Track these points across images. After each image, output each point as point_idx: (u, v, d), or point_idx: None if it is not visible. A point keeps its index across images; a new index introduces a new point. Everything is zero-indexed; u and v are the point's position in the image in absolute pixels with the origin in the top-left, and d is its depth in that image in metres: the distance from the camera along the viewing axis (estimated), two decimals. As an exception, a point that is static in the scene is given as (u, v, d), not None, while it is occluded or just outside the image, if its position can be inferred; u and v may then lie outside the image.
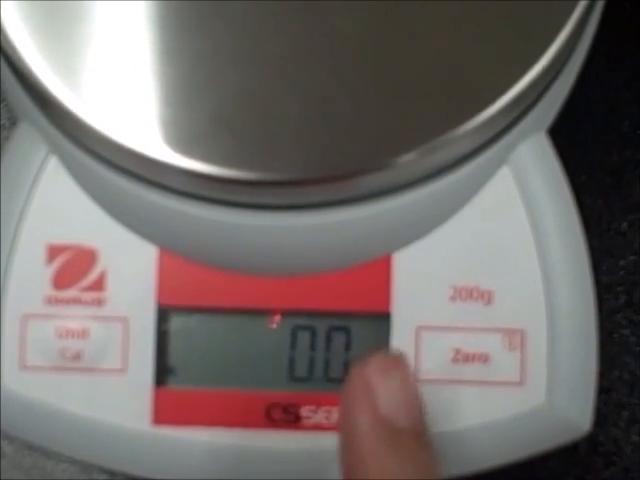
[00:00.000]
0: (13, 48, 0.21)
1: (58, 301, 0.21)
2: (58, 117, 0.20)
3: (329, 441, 0.20)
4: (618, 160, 0.24)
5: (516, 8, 0.20)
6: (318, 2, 0.20)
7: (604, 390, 0.22)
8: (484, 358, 0.20)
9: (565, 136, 0.22)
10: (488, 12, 0.20)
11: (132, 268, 0.20)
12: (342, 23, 0.20)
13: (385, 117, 0.20)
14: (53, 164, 0.21)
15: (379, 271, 0.21)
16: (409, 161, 0.20)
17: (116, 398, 0.20)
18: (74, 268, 0.21)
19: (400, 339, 0.20)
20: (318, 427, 0.20)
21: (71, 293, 0.21)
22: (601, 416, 0.22)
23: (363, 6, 0.20)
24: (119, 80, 0.20)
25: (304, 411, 0.20)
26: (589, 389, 0.20)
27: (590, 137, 0.24)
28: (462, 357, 0.20)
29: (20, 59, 0.21)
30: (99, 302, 0.21)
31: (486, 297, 0.20)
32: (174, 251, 0.20)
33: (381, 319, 0.20)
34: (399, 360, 0.18)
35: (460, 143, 0.20)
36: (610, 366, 0.23)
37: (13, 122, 0.24)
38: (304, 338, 0.21)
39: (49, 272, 0.21)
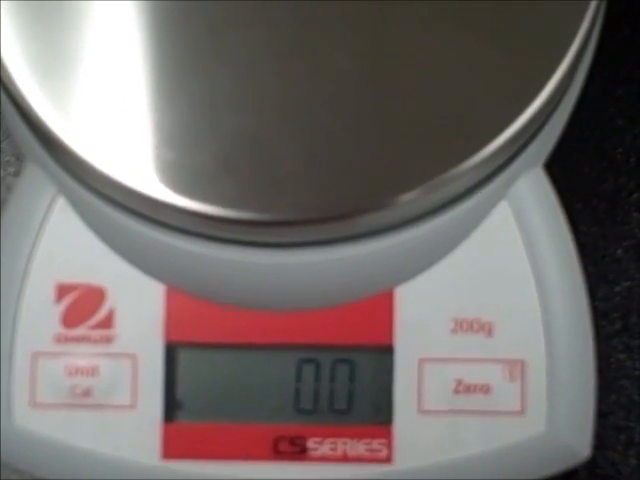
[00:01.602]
0: (17, 89, 0.21)
1: (67, 339, 0.21)
2: (64, 158, 0.21)
3: (334, 472, 0.21)
4: (612, 188, 0.25)
5: (513, 48, 0.21)
6: (318, 42, 0.21)
7: (602, 414, 0.23)
8: (485, 389, 0.21)
9: (560, 165, 0.23)
10: (485, 52, 0.21)
11: (140, 306, 0.21)
12: (342, 64, 0.21)
13: (385, 156, 0.20)
14: (61, 204, 0.21)
15: (382, 305, 0.21)
16: (410, 200, 0.20)
17: (126, 433, 0.21)
18: (83, 306, 0.21)
19: (403, 371, 0.21)
20: (324, 459, 0.21)
21: (80, 331, 0.21)
22: (599, 440, 0.22)
23: (363, 47, 0.21)
24: (122, 122, 0.20)
25: (310, 443, 0.21)
26: (588, 416, 0.21)
27: (585, 166, 0.25)
28: (464, 388, 0.21)
29: (24, 100, 0.21)
30: (108, 339, 0.21)
31: (487, 329, 0.21)
32: (180, 288, 0.21)
33: (384, 352, 0.21)
34: None
35: (460, 181, 0.20)
36: (607, 390, 0.23)
37: (19, 158, 0.25)
38: (309, 371, 0.21)
39: (58, 311, 0.21)
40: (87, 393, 0.21)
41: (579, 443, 0.21)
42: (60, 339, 0.21)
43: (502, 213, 0.21)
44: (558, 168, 0.22)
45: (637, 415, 0.25)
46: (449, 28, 0.21)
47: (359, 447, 0.21)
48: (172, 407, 0.21)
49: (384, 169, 0.20)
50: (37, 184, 0.22)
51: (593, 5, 0.22)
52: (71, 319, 0.21)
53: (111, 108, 0.21)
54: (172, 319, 0.21)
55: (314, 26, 0.21)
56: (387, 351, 0.21)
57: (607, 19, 0.23)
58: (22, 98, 0.21)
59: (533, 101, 0.21)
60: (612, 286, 0.24)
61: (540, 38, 0.21)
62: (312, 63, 0.21)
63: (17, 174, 0.24)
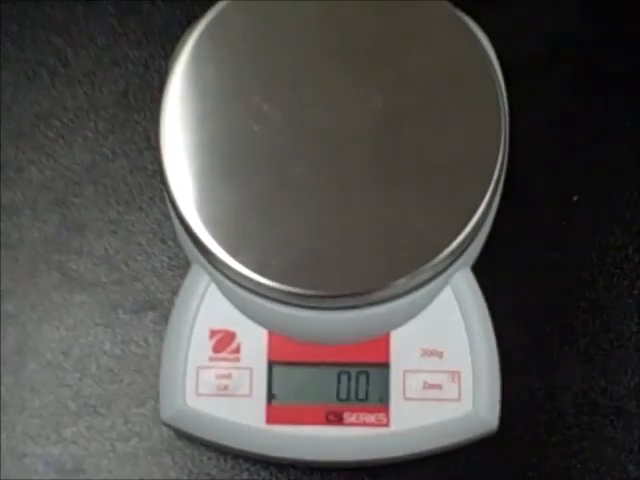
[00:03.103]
0: (184, 217, 0.37)
1: (215, 359, 0.37)
2: (213, 261, 0.37)
3: (357, 431, 0.37)
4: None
5: (449, 197, 0.36)
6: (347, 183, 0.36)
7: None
8: (439, 386, 0.37)
9: (481, 265, 0.39)
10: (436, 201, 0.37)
11: (254, 341, 0.37)
12: (355, 200, 0.37)
13: (385, 261, 0.36)
14: (212, 287, 0.38)
15: (384, 341, 0.37)
16: (400, 283, 0.36)
17: (246, 410, 0.37)
18: (223, 342, 0.37)
19: (394, 377, 0.37)
20: (352, 424, 0.37)
21: (222, 355, 0.37)
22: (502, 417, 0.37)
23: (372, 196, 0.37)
24: (247, 238, 0.36)
25: (345, 415, 0.37)
26: (496, 403, 0.37)
27: (499, 265, 0.41)
28: (428, 386, 0.37)
29: (190, 226, 0.37)
30: (237, 360, 0.37)
31: (439, 354, 0.37)
32: (276, 331, 0.37)
33: (384, 366, 0.37)
34: None
35: (426, 273, 0.36)
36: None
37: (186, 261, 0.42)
38: (344, 377, 0.37)
39: (211, 344, 0.37)
40: (226, 388, 0.37)
41: (492, 419, 0.37)
42: (212, 359, 0.37)
43: (448, 292, 0.37)
44: (480, 266, 0.39)
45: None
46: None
47: (371, 417, 0.37)
48: (270, 396, 0.37)
49: (383, 268, 0.36)
50: (198, 276, 0.38)
51: (496, 172, 0.37)
52: (218, 348, 0.37)
53: (241, 230, 0.36)
54: (271, 348, 0.37)
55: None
56: (386, 366, 0.37)
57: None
58: (189, 224, 0.36)
59: (464, 230, 0.37)
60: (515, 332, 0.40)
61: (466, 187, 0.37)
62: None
63: (183, 276, 0.38)
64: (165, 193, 0.37)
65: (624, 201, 0.42)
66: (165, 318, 0.39)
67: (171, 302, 0.39)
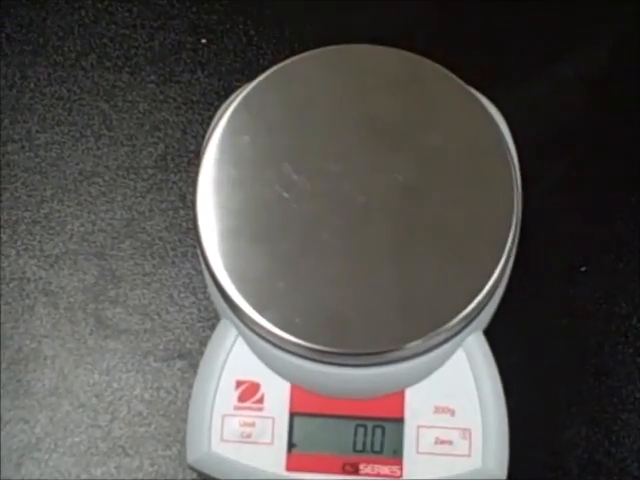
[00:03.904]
0: (217, 277, 0.39)
1: (240, 408, 0.39)
2: (241, 317, 0.40)
3: None
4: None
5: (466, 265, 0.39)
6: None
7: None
8: (450, 442, 0.38)
9: (491, 330, 0.41)
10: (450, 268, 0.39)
11: (277, 393, 0.39)
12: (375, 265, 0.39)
13: (403, 323, 0.39)
14: (239, 341, 0.40)
15: (398, 397, 0.39)
16: (415, 345, 0.38)
17: (268, 457, 0.39)
18: (248, 392, 0.39)
19: (409, 432, 0.38)
20: (367, 474, 0.39)
21: (247, 404, 0.39)
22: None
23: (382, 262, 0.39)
24: (269, 299, 0.38)
25: (361, 466, 0.39)
26: (504, 459, 0.39)
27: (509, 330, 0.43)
28: (439, 441, 0.38)
29: (221, 284, 0.39)
30: (260, 409, 0.39)
31: (451, 411, 0.39)
32: (299, 384, 0.39)
33: (399, 421, 0.39)
34: None
35: (440, 336, 0.39)
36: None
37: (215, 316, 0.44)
38: (361, 430, 0.39)
39: (237, 393, 0.39)
40: (249, 436, 0.39)
41: (500, 474, 0.38)
42: (237, 408, 0.39)
43: (460, 354, 0.39)
44: (492, 329, 0.41)
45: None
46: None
47: (385, 469, 0.39)
48: (291, 445, 0.39)
49: (400, 330, 0.39)
50: (226, 330, 0.40)
51: (511, 236, 0.40)
52: (243, 397, 0.39)
53: (267, 289, 0.38)
54: (293, 400, 0.39)
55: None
56: (400, 421, 0.39)
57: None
58: (219, 281, 0.38)
59: (477, 296, 0.40)
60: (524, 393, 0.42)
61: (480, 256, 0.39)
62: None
63: (211, 328, 0.41)
64: (198, 250, 0.40)
65: (629, 272, 0.45)
66: (193, 367, 0.42)
67: (199, 352, 0.42)
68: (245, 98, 0.42)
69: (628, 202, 0.46)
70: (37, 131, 0.46)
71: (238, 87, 0.42)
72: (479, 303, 0.39)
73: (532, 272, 0.44)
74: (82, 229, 0.45)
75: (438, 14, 0.49)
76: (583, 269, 0.45)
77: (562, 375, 0.43)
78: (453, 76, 0.42)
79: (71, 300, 0.44)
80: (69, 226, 0.45)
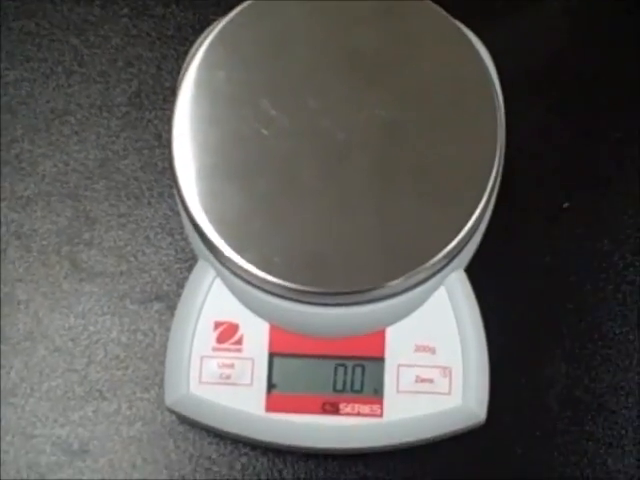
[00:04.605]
0: (194, 216, 0.39)
1: (219, 349, 0.39)
2: (219, 257, 0.39)
3: (351, 421, 0.39)
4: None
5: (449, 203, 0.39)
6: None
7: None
8: (431, 380, 0.39)
9: (474, 266, 0.41)
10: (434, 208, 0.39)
11: (256, 333, 0.39)
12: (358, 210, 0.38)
13: (384, 261, 0.38)
14: (217, 282, 0.39)
15: (379, 336, 0.39)
16: (398, 282, 0.38)
17: (247, 398, 0.39)
18: (227, 333, 0.39)
19: (389, 371, 0.38)
20: (348, 414, 0.39)
21: (225, 345, 0.39)
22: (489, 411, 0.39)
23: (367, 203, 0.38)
24: (252, 236, 0.38)
25: (341, 406, 0.39)
26: (484, 397, 0.39)
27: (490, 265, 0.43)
28: (420, 380, 0.39)
29: (198, 223, 0.39)
30: (239, 350, 0.39)
31: (431, 350, 0.39)
32: (278, 325, 0.39)
33: (379, 360, 0.39)
34: None
35: (422, 274, 0.38)
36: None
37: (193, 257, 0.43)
38: (341, 370, 0.39)
39: (215, 335, 0.39)
40: (228, 377, 0.39)
41: (480, 412, 0.39)
42: (215, 349, 0.39)
43: (442, 292, 0.39)
44: (473, 267, 0.41)
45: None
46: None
47: (366, 408, 0.39)
48: (270, 386, 0.39)
49: (381, 268, 0.38)
50: (204, 271, 0.39)
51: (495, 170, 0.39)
52: (221, 339, 0.39)
53: (246, 229, 0.38)
54: (272, 340, 0.39)
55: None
56: (381, 360, 0.39)
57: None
58: (197, 221, 0.38)
59: (459, 234, 0.39)
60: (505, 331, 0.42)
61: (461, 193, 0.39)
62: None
63: (189, 270, 0.40)
64: (175, 190, 0.39)
65: (611, 209, 0.44)
66: (170, 309, 0.41)
67: (177, 294, 0.41)
68: (220, 32, 0.40)
69: (611, 138, 0.45)
70: (5, 68, 0.45)
71: (214, 21, 0.41)
72: (460, 241, 0.38)
73: (514, 209, 0.43)
74: (54, 170, 0.44)
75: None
76: (565, 205, 0.44)
77: (542, 312, 0.43)
78: (438, 8, 0.41)
79: (44, 243, 0.43)
80: (41, 167, 0.44)
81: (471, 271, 0.40)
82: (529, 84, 0.45)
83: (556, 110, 0.45)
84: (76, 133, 0.44)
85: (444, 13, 0.41)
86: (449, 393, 0.38)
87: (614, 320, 0.43)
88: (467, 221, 0.38)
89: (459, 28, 0.41)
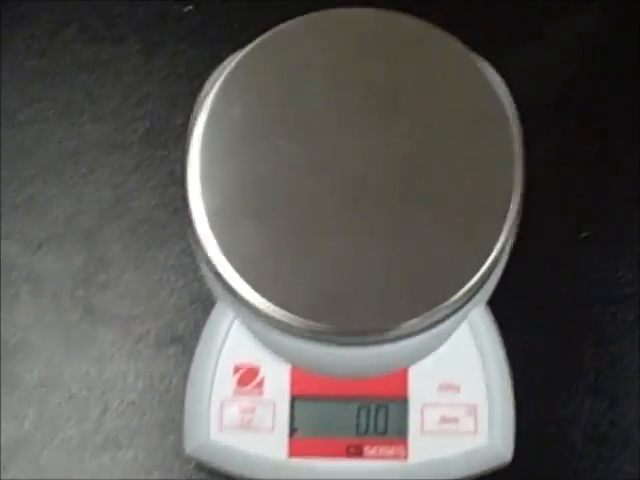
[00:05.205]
0: (211, 258, 0.38)
1: (239, 393, 0.38)
2: (238, 299, 0.38)
3: (376, 464, 0.38)
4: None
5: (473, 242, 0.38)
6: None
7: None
8: (456, 420, 0.38)
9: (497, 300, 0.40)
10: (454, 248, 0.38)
11: (277, 376, 0.38)
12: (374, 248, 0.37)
13: (406, 299, 0.37)
14: (236, 323, 0.39)
15: (402, 376, 0.38)
16: (418, 321, 0.37)
17: (269, 443, 0.38)
18: (247, 376, 0.38)
19: (413, 411, 0.38)
20: (372, 457, 0.38)
21: (246, 389, 0.38)
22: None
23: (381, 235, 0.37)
24: (273, 280, 0.37)
25: (366, 448, 0.38)
26: (510, 437, 0.38)
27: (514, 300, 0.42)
28: (445, 420, 0.38)
29: (218, 269, 0.38)
30: (260, 394, 0.38)
31: (455, 388, 0.38)
32: (299, 366, 0.38)
33: (403, 401, 0.38)
34: None
35: (445, 310, 0.38)
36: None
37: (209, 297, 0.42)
38: (364, 411, 0.38)
39: (235, 378, 0.38)
40: (249, 422, 0.38)
41: (506, 451, 0.38)
42: (236, 392, 0.38)
43: (464, 328, 0.39)
44: (495, 300, 0.40)
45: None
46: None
47: (390, 450, 0.38)
48: (293, 429, 0.38)
49: (402, 307, 0.37)
50: (223, 313, 0.39)
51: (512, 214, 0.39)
52: (242, 382, 0.38)
53: (264, 268, 0.37)
54: (294, 382, 0.38)
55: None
56: (404, 400, 0.38)
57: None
58: (214, 263, 0.37)
59: (480, 269, 0.38)
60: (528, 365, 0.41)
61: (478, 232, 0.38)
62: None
63: (205, 310, 0.40)
64: (190, 230, 0.38)
65: (630, 238, 0.44)
66: (187, 352, 0.41)
67: (193, 336, 0.40)
68: (234, 68, 0.40)
69: (627, 168, 0.44)
70: (17, 108, 0.44)
71: (225, 57, 0.40)
72: (482, 276, 0.37)
73: (532, 240, 0.42)
74: (67, 211, 0.43)
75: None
76: (584, 234, 0.44)
77: (565, 345, 0.42)
78: (453, 39, 0.40)
79: (58, 286, 0.42)
80: (53, 208, 0.43)
81: (493, 304, 0.39)
82: (545, 113, 0.45)
83: (571, 139, 0.45)
84: (89, 173, 0.44)
85: (459, 44, 0.40)
86: (475, 432, 0.38)
87: (637, 351, 0.42)
88: (488, 255, 0.37)
89: (473, 59, 0.40)
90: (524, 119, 0.40)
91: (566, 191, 0.44)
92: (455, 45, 0.40)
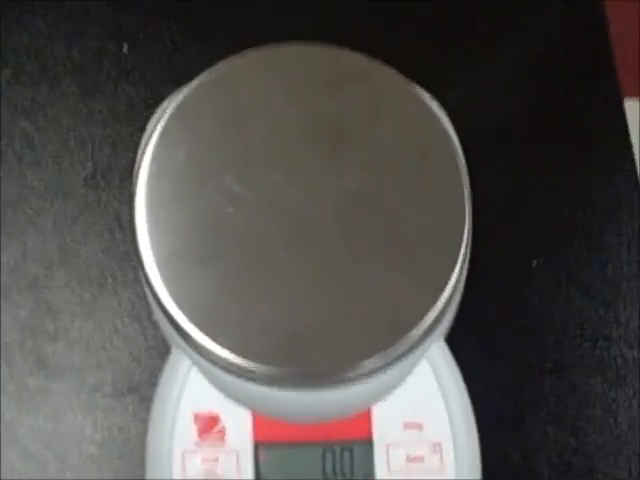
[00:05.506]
0: (164, 304, 0.37)
1: (201, 443, 0.37)
2: (197, 348, 0.37)
3: None
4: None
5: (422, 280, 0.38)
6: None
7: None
8: (421, 458, 0.38)
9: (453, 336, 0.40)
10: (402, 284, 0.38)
11: (238, 424, 0.38)
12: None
13: (362, 338, 0.37)
14: (194, 371, 0.38)
15: (366, 416, 0.38)
16: (376, 360, 0.37)
17: None
18: (208, 425, 0.37)
19: (378, 452, 0.37)
20: None
21: (208, 438, 0.37)
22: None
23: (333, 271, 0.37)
24: (229, 325, 0.36)
25: (332, 494, 0.38)
26: (478, 468, 0.38)
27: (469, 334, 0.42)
28: (410, 459, 0.38)
29: (171, 313, 0.37)
30: (223, 442, 0.38)
31: (419, 426, 0.38)
32: (260, 412, 0.38)
33: (367, 442, 0.38)
34: None
35: (403, 349, 0.38)
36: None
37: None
38: (329, 455, 0.38)
39: (196, 428, 0.37)
40: (213, 471, 0.37)
41: None
42: (197, 443, 0.37)
43: (424, 365, 0.38)
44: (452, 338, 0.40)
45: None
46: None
47: (355, 495, 0.38)
48: (258, 478, 0.37)
49: (359, 347, 0.37)
50: (179, 360, 0.38)
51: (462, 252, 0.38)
52: (202, 431, 0.37)
53: (219, 313, 0.36)
54: (256, 429, 0.37)
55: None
56: (369, 441, 0.38)
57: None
58: (167, 309, 0.36)
59: (435, 304, 0.38)
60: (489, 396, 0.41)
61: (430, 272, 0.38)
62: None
63: (161, 357, 0.39)
64: (140, 275, 0.38)
65: (580, 264, 0.44)
66: (145, 401, 0.40)
67: (150, 384, 0.39)
68: (177, 108, 0.39)
69: (577, 194, 0.45)
70: (-48, 157, 0.43)
71: (167, 95, 0.40)
72: (439, 312, 0.37)
73: (483, 272, 0.42)
74: (11, 261, 0.42)
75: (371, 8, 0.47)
76: (534, 263, 0.44)
77: (524, 374, 0.42)
78: (395, 73, 0.40)
79: (6, 339, 0.41)
80: (-4, 258, 0.42)
81: (449, 338, 0.39)
82: (486, 145, 0.45)
83: (515, 169, 0.45)
84: (31, 221, 0.42)
85: (401, 77, 0.40)
86: (441, 470, 0.37)
87: (594, 377, 0.42)
88: (443, 290, 0.37)
89: (417, 92, 0.40)
90: (466, 149, 0.41)
91: (516, 219, 0.44)
92: (398, 78, 0.40)
